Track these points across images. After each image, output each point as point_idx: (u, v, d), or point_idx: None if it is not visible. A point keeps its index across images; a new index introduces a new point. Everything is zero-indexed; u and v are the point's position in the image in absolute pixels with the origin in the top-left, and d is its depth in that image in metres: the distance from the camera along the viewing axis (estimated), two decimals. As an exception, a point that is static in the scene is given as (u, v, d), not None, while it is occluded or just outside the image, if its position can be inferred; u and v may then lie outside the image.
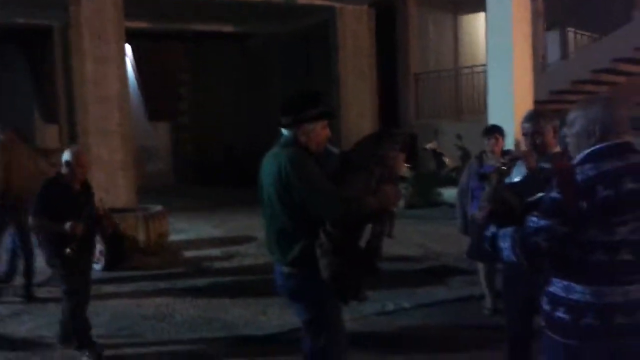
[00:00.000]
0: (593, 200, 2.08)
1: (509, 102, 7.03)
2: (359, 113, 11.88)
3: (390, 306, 5.22)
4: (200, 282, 6.24)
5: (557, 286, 2.25)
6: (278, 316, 4.96)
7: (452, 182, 9.74)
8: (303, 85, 12.01)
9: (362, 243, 2.71)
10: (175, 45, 15.70)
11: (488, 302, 5.06)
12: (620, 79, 11.37)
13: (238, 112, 15.95)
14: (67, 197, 4.19)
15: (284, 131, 2.86)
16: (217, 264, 7.07)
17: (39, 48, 12.87)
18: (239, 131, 15.62)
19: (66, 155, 4.25)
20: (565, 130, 2.31)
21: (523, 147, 3.49)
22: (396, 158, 2.83)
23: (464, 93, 12.52)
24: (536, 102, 7.73)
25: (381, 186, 2.73)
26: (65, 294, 4.29)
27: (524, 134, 3.25)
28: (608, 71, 10.89)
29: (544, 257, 2.18)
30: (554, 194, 2.13)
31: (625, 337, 2.18)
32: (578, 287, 2.18)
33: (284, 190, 2.71)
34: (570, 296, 2.20)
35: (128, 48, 13.73)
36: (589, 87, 10.55)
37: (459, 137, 11.02)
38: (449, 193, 9.38)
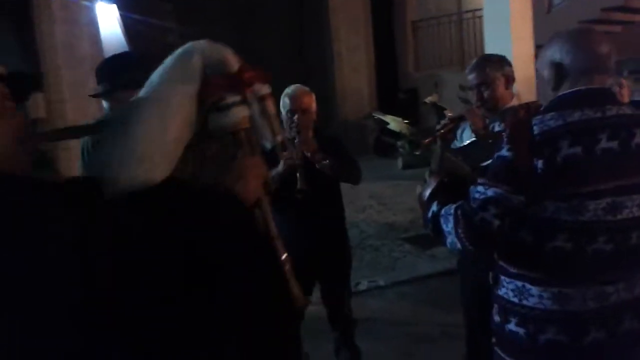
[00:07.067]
0: (553, 158, 1.51)
1: (507, 48, 6.49)
2: (354, 67, 11.23)
3: (363, 285, 4.69)
4: None
5: (507, 288, 1.67)
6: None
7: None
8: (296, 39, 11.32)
9: None
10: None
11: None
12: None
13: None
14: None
15: (105, 104, 2.38)
16: None
17: None
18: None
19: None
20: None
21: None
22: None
23: (467, 40, 11.75)
24: (537, 46, 7.14)
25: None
26: None
27: (470, 88, 2.71)
28: (620, 9, 10.09)
29: (495, 240, 1.59)
30: (504, 152, 1.57)
31: (603, 358, 1.61)
32: (534, 289, 1.61)
33: None
34: (524, 302, 1.62)
35: None
36: (599, 27, 9.75)
37: (462, 88, 10.31)
38: (449, 150, 8.79)
